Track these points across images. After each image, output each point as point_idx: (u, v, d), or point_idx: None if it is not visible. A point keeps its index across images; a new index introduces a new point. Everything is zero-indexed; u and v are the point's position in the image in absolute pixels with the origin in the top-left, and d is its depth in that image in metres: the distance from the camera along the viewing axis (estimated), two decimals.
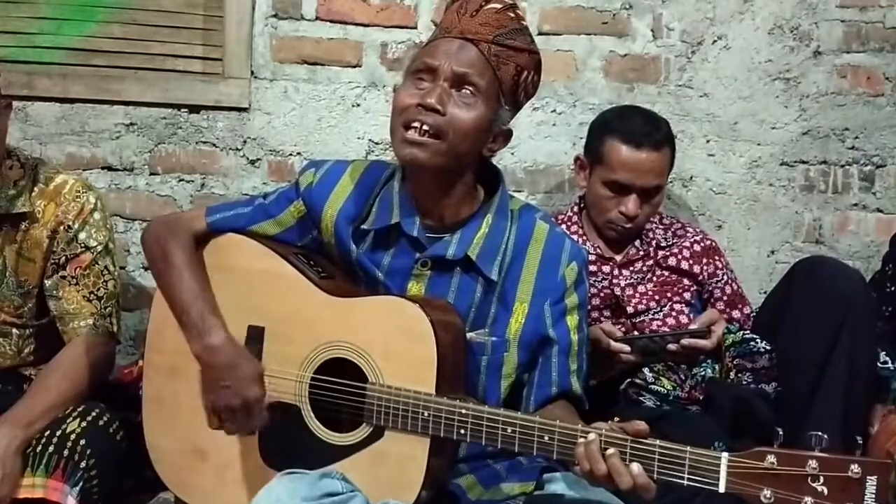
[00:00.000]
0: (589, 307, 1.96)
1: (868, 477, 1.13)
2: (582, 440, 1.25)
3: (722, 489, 1.18)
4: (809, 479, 1.15)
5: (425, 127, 1.43)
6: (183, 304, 1.54)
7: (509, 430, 1.31)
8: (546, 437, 1.29)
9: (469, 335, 1.47)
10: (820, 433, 1.17)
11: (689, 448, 1.21)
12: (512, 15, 1.48)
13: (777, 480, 1.16)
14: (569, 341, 1.52)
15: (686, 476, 1.20)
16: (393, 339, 1.42)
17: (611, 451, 1.23)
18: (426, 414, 1.36)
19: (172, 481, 1.60)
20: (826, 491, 1.14)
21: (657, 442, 1.22)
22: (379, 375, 1.42)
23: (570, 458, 1.28)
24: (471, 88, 1.45)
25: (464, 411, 1.34)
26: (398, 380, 1.39)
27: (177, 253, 1.58)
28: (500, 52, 1.46)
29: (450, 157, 1.46)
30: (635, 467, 1.22)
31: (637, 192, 1.99)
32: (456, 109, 1.44)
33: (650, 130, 2.01)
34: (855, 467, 1.14)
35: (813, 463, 1.15)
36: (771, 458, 1.17)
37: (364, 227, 1.54)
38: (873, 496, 1.13)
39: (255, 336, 1.54)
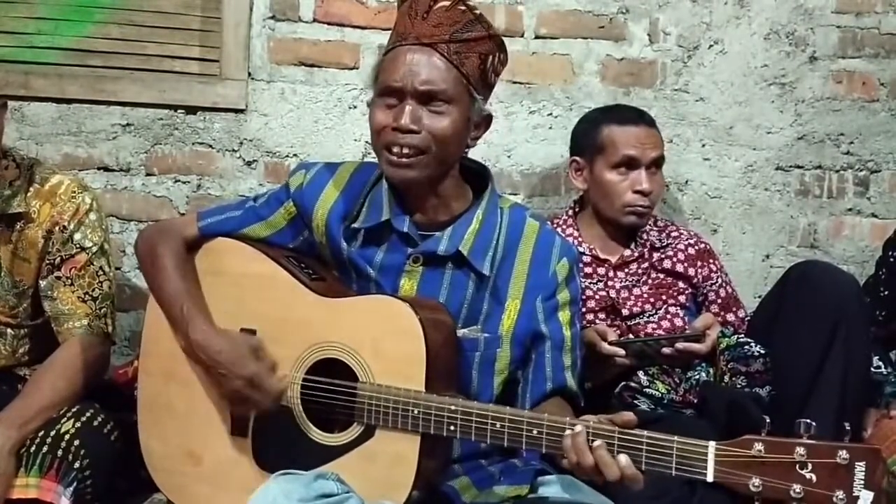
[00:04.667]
0: (584, 309, 1.98)
1: (856, 463, 1.13)
2: (569, 432, 1.26)
3: (710, 478, 1.18)
4: (798, 466, 1.15)
5: (405, 150, 1.46)
6: (169, 303, 1.57)
7: (498, 425, 1.32)
8: (535, 431, 1.30)
9: (461, 331, 1.48)
10: (808, 420, 1.16)
11: (676, 438, 1.21)
12: (462, 8, 1.47)
13: (765, 468, 1.16)
14: (561, 337, 1.53)
15: (674, 466, 1.20)
16: (383, 338, 1.42)
17: (598, 442, 1.23)
18: (416, 411, 1.36)
19: (167, 486, 1.60)
20: (814, 478, 1.14)
21: (644, 433, 1.23)
22: (369, 374, 1.42)
23: (558, 451, 1.28)
24: (440, 98, 1.45)
25: (453, 407, 1.34)
26: (388, 378, 1.40)
27: (165, 255, 1.60)
28: (459, 48, 1.46)
29: (437, 165, 1.48)
30: (623, 458, 1.22)
31: (645, 165, 2.04)
32: (430, 122, 1.46)
33: (639, 113, 2.11)
34: (843, 453, 1.13)
35: (801, 450, 1.15)
36: (758, 447, 1.16)
37: (355, 225, 1.54)
38: (862, 482, 1.13)
39: None
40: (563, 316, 1.54)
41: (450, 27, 1.46)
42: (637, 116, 2.09)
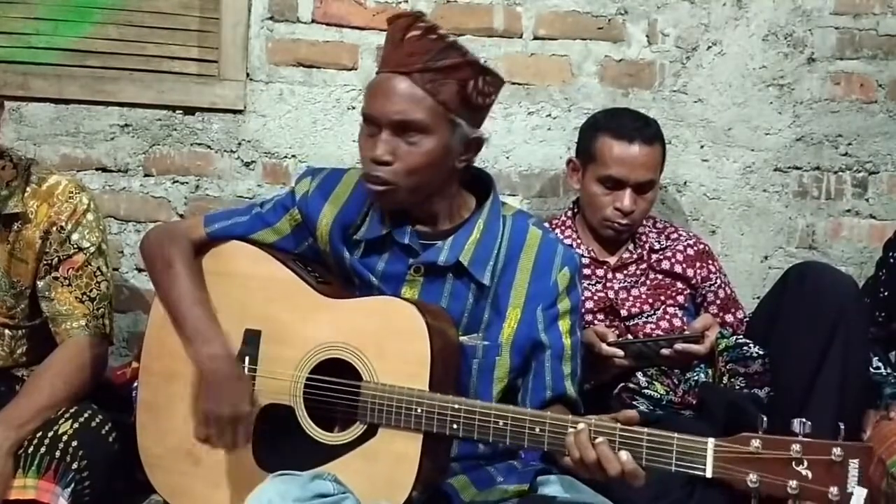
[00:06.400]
0: (583, 310, 1.98)
1: (850, 460, 1.16)
2: (572, 430, 1.27)
3: (709, 474, 1.20)
4: (794, 462, 1.17)
5: (378, 182, 1.46)
6: (183, 311, 1.55)
7: (500, 423, 1.33)
8: (537, 429, 1.31)
9: (462, 339, 1.48)
10: (804, 419, 1.19)
11: (676, 434, 1.23)
12: (434, 37, 1.44)
13: (762, 464, 1.18)
14: (561, 346, 1.53)
15: (674, 462, 1.22)
16: (387, 338, 1.43)
17: (600, 439, 1.25)
18: (419, 410, 1.37)
19: (165, 486, 1.60)
20: (810, 475, 1.17)
21: (645, 430, 1.24)
22: (373, 374, 1.42)
23: (560, 448, 1.29)
24: (413, 128, 1.44)
25: (456, 406, 1.35)
26: (392, 378, 1.40)
27: (176, 259, 1.59)
28: (433, 77, 1.43)
29: (411, 193, 1.48)
30: (624, 455, 1.23)
31: (631, 186, 2.01)
32: (404, 152, 1.45)
33: (640, 126, 2.04)
34: (837, 451, 1.16)
35: (796, 447, 1.17)
36: (756, 443, 1.19)
37: (357, 237, 1.55)
38: (856, 479, 1.15)
39: (252, 339, 1.54)
40: (563, 325, 1.54)
41: (422, 56, 1.43)
42: (636, 131, 2.01)
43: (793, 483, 1.17)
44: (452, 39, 1.47)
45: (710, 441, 1.21)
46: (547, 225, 2.11)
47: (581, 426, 1.26)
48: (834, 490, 1.16)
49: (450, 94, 1.44)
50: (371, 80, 1.51)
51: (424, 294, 1.51)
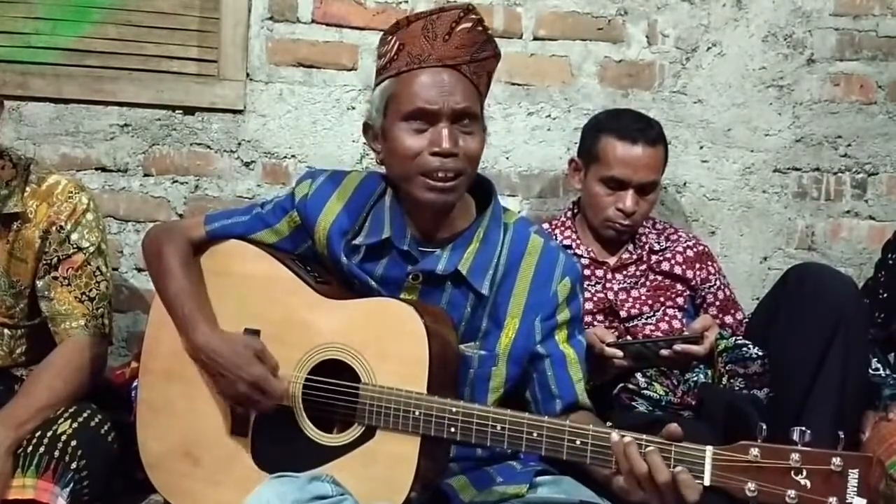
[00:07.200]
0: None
1: (850, 470, 1.15)
2: (617, 439, 1.24)
3: (707, 482, 1.19)
4: (792, 472, 1.16)
5: (450, 174, 1.44)
6: (173, 303, 1.57)
7: (498, 428, 1.32)
8: (535, 434, 1.30)
9: (459, 347, 1.47)
10: (803, 428, 1.18)
11: (674, 442, 1.22)
12: (480, 28, 1.47)
13: (761, 473, 1.17)
14: (561, 354, 1.52)
15: (672, 470, 1.20)
16: (386, 340, 1.42)
17: (651, 447, 1.21)
18: (417, 413, 1.36)
19: (164, 487, 1.60)
20: (809, 484, 1.16)
21: (643, 436, 1.23)
22: (372, 376, 1.42)
23: (558, 455, 1.28)
24: (470, 117, 1.46)
25: (454, 409, 1.35)
26: (391, 380, 1.40)
27: (170, 255, 1.60)
28: (476, 68, 1.47)
29: (468, 185, 1.49)
30: (679, 468, 1.20)
31: (633, 187, 2.01)
32: (465, 143, 1.46)
33: (644, 127, 2.05)
34: (837, 461, 1.15)
35: (795, 456, 1.16)
36: (754, 452, 1.18)
37: (356, 242, 1.54)
38: (855, 489, 1.14)
39: None
40: (562, 334, 1.53)
41: (471, 48, 1.46)
42: (639, 132, 2.02)
43: (791, 493, 1.15)
44: (490, 32, 1.51)
45: (709, 449, 1.20)
46: (546, 225, 2.13)
47: (628, 439, 1.23)
48: (833, 500, 1.14)
49: (483, 85, 1.50)
50: (410, 75, 1.45)
51: (422, 301, 1.50)
